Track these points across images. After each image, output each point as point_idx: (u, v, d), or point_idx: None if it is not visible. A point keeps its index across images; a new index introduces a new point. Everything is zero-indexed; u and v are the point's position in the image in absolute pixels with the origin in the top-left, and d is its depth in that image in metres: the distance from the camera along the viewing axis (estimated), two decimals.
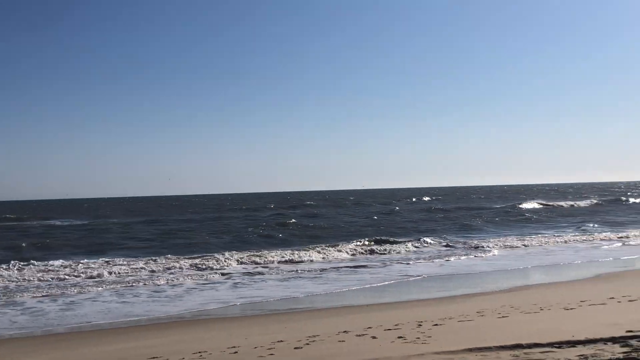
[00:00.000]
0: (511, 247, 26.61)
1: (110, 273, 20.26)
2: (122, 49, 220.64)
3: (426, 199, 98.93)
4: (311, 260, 23.12)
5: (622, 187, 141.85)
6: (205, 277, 19.63)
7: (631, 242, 26.67)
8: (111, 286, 17.88)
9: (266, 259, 23.34)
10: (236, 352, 8.82)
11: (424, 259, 23.21)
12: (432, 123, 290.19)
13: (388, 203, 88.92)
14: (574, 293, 13.02)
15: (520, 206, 61.43)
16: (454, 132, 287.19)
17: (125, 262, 22.54)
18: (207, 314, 13.83)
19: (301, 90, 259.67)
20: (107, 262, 22.75)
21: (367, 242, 28.71)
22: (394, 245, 27.41)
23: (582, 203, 65.64)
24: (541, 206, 62.03)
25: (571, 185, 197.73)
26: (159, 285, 18.06)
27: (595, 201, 68.02)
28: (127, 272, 20.49)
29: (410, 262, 22.12)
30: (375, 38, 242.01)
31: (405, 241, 28.50)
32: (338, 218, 53.31)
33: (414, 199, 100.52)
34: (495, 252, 24.66)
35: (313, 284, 17.82)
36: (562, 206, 62.06)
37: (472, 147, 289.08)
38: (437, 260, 22.40)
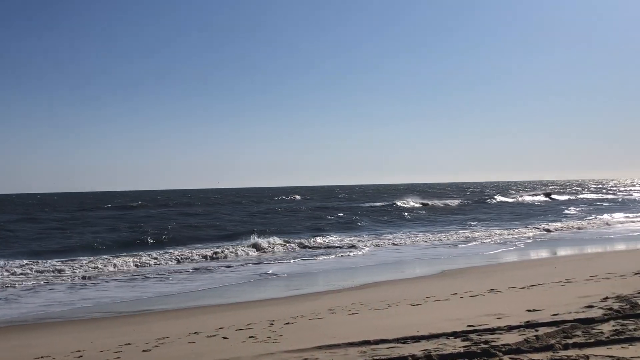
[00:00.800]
0: (371, 245, 27.18)
1: None
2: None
3: (297, 197, 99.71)
4: (166, 262, 22.46)
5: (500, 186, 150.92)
6: (45, 278, 18.64)
7: (483, 241, 28.03)
8: None
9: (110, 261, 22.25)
10: (81, 357, 8.52)
11: (281, 258, 23.30)
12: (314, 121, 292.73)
13: (260, 202, 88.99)
14: (421, 289, 13.56)
15: (398, 204, 63.52)
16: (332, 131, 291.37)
17: None
18: (50, 317, 13.19)
19: None
20: None
21: (222, 242, 28.46)
22: (250, 245, 27.30)
23: (453, 202, 68.77)
24: (419, 205, 64.16)
25: (453, 184, 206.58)
26: None
27: (466, 201, 71.35)
28: None
29: (267, 262, 22.10)
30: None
31: (259, 241, 28.45)
32: (211, 216, 53.10)
33: (282, 197, 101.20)
34: (355, 250, 25.14)
35: (164, 285, 17.46)
36: (437, 205, 64.56)
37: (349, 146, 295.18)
38: (293, 260, 22.50)
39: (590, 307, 8.88)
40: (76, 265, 20.91)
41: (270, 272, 19.30)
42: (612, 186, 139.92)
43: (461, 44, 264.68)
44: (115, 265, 20.97)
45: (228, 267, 20.93)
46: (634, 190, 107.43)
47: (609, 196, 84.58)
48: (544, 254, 22.29)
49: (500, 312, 9.04)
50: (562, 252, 22.63)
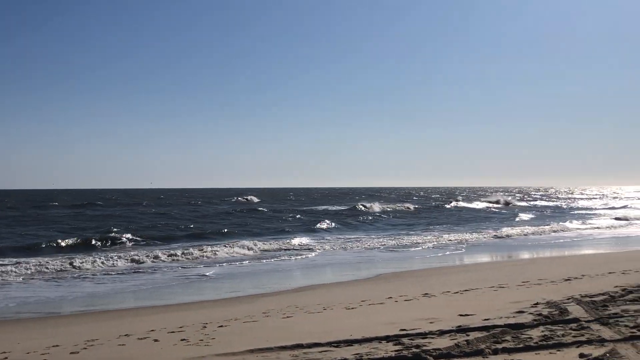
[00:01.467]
0: (323, 248, 27.08)
1: None
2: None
3: (254, 199, 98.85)
4: (103, 263, 21.81)
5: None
6: None
7: (427, 245, 28.32)
8: None
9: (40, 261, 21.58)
10: (6, 358, 8.31)
11: (225, 260, 22.98)
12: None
13: (210, 203, 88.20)
14: (356, 293, 13.63)
15: (358, 208, 63.86)
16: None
17: None
18: None
19: None
20: None
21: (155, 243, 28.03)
22: (187, 247, 26.97)
23: (410, 207, 69.35)
24: (378, 209, 64.20)
25: (408, 188, 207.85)
26: None
27: (418, 206, 71.96)
28: None
29: (205, 265, 21.71)
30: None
31: (208, 244, 28.22)
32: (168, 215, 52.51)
33: (233, 199, 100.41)
34: (308, 253, 25.02)
35: (94, 285, 17.09)
36: (396, 209, 64.94)
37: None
38: (236, 262, 22.24)
39: (521, 312, 9.07)
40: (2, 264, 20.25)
41: (208, 274, 19.07)
42: (553, 193, 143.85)
43: (408, 49, 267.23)
44: (42, 265, 20.28)
45: (164, 268, 20.61)
46: (577, 197, 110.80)
47: (555, 203, 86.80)
48: (481, 258, 22.69)
49: (433, 317, 9.16)
50: (499, 257, 23.08)
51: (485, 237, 31.86)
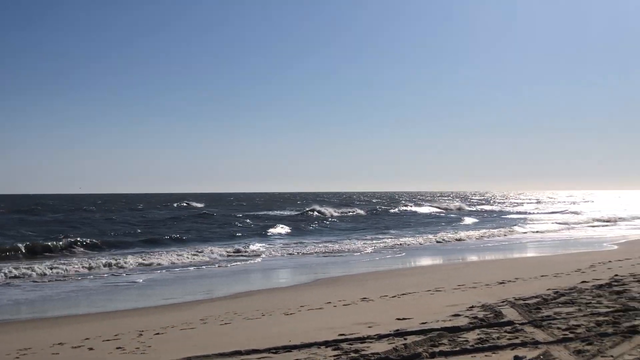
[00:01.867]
0: (270, 252, 26.87)
1: None
2: None
3: (198, 204, 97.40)
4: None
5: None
6: None
7: (367, 250, 28.47)
8: None
9: None
10: None
11: (167, 266, 22.49)
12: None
13: (151, 208, 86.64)
14: (295, 298, 13.62)
15: (310, 213, 63.72)
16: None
17: None
18: None
19: None
20: None
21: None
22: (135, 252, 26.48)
23: (360, 211, 69.53)
24: (328, 213, 64.03)
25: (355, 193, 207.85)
26: None
27: (363, 211, 71.95)
28: None
29: (146, 271, 21.21)
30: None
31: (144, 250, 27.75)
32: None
33: (175, 204, 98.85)
34: (254, 259, 24.74)
35: (23, 292, 16.61)
36: (344, 214, 64.91)
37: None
38: (176, 269, 21.82)
39: (457, 315, 9.24)
40: None
41: (141, 280, 18.72)
42: (491, 197, 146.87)
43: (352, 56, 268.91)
44: None
45: (96, 274, 20.14)
46: (517, 202, 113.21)
47: (495, 207, 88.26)
48: (420, 262, 22.96)
49: (371, 321, 9.25)
50: (437, 260, 23.35)
51: (425, 241, 32.19)
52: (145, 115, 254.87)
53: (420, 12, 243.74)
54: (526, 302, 10.20)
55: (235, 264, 22.89)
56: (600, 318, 8.33)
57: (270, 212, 71.76)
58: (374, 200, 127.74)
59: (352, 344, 7.60)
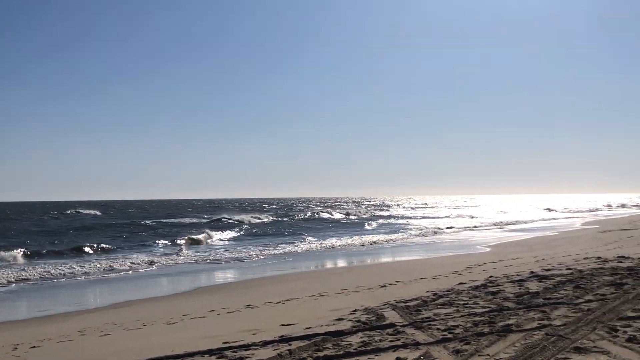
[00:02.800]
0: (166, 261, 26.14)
1: None
2: None
3: (98, 213, 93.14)
4: None
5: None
6: None
7: (254, 257, 28.33)
8: None
9: None
10: None
11: (41, 277, 21.45)
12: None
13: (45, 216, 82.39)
14: (177, 307, 13.41)
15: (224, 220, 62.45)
16: None
17: None
18: None
19: None
20: None
21: None
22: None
23: (266, 218, 68.85)
24: (234, 221, 63.12)
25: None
26: None
27: (272, 218, 71.28)
28: None
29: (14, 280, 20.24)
30: None
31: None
32: None
33: (68, 211, 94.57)
34: (145, 268, 24.00)
35: None
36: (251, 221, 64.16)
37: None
38: (54, 280, 20.90)
39: (341, 319, 9.38)
40: None
41: (13, 289, 17.89)
42: (382, 202, 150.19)
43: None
44: None
45: None
46: (410, 207, 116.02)
47: (386, 212, 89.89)
48: (305, 268, 23.04)
49: (255, 328, 9.26)
50: (321, 266, 23.57)
51: (313, 247, 32.45)
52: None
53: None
54: (407, 304, 10.50)
55: (112, 274, 22.23)
56: (477, 318, 8.70)
57: (189, 219, 69.95)
58: (273, 206, 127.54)
59: (236, 352, 7.58)
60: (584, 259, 17.01)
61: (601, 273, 13.15)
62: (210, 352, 7.67)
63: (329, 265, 24.02)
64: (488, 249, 26.44)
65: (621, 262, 15.46)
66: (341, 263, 24.58)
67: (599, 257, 17.04)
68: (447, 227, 47.89)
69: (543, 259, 17.91)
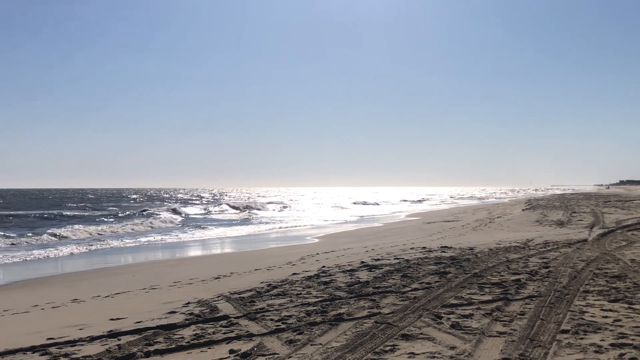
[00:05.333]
0: None
1: None
2: None
3: None
4: None
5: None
6: None
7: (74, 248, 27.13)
8: None
9: None
10: None
11: None
12: None
13: None
14: None
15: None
16: None
17: None
18: None
19: None
20: None
21: None
22: None
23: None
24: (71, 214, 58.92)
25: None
26: None
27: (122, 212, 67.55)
28: None
29: None
30: None
31: None
32: None
33: None
34: None
35: None
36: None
37: None
38: None
39: (173, 312, 9.28)
40: None
41: None
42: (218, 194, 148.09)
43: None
44: None
45: None
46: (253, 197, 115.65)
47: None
48: (135, 260, 22.46)
49: (83, 323, 8.95)
50: (152, 258, 23.02)
51: (144, 239, 31.63)
52: None
53: None
54: (241, 295, 10.55)
55: None
56: (310, 308, 8.92)
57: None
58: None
59: (61, 348, 7.29)
60: (411, 249, 17.89)
61: (426, 262, 13.92)
62: (33, 349, 7.32)
63: (159, 257, 23.59)
64: (316, 240, 27.01)
65: (444, 252, 16.42)
66: (173, 255, 24.21)
67: (424, 247, 18.00)
68: (278, 220, 48.62)
69: (373, 249, 18.64)
